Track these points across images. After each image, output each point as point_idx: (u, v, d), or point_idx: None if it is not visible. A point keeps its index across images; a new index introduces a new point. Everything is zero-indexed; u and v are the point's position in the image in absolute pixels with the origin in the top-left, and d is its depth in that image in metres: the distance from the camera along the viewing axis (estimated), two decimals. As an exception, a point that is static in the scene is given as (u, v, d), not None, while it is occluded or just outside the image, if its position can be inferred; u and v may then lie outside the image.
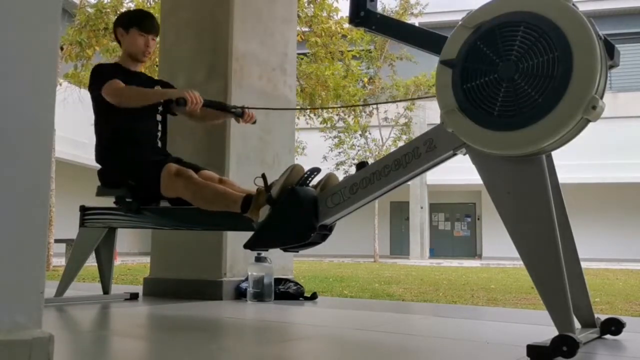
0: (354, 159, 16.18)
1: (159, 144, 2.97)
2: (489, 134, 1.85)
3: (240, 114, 2.91)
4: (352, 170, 7.39)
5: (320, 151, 16.02)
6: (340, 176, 2.37)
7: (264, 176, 2.37)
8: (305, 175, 2.33)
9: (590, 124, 1.82)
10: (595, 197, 18.75)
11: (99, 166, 2.92)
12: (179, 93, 2.63)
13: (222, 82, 3.45)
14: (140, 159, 2.79)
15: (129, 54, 2.95)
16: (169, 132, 3.04)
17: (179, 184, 2.59)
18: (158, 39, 3.20)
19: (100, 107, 2.82)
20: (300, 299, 3.39)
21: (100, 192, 2.90)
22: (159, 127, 2.98)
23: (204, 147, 3.43)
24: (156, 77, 3.35)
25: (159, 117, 2.96)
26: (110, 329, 2.46)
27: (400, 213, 21.17)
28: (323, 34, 10.45)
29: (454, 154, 2.01)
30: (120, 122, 2.81)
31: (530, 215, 1.83)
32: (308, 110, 11.92)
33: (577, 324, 1.89)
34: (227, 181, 2.83)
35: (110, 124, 2.84)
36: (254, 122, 2.99)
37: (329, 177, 2.35)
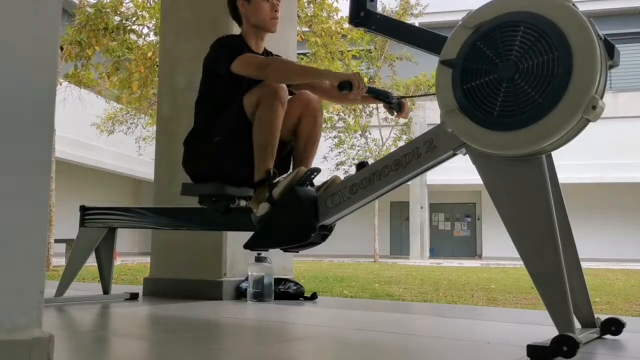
0: (354, 159, 16.17)
1: None
2: (489, 134, 1.85)
3: (398, 106, 2.56)
4: (352, 170, 7.39)
5: (320, 151, 15.94)
6: (341, 176, 2.37)
7: (274, 172, 2.34)
8: (306, 175, 2.33)
9: (591, 124, 1.82)
10: (595, 197, 18.75)
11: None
12: (342, 75, 2.25)
13: (222, 82, 3.44)
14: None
15: (254, 24, 2.57)
16: (170, 132, 3.03)
17: (265, 92, 2.32)
18: (156, 38, 3.09)
19: (213, 84, 2.51)
20: (300, 299, 3.39)
21: (185, 191, 2.57)
22: None
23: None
24: (156, 77, 3.33)
25: None
26: (110, 329, 2.46)
27: (400, 213, 21.17)
28: (323, 34, 10.44)
29: (454, 154, 2.01)
30: (232, 98, 2.45)
31: (530, 215, 1.83)
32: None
33: (577, 324, 1.89)
34: (314, 136, 2.54)
35: (216, 102, 2.49)
36: (407, 118, 2.68)
37: (333, 179, 2.33)
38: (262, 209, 2.32)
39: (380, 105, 2.58)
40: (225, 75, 2.43)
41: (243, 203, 2.59)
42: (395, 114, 2.58)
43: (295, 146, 2.56)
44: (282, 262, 3.60)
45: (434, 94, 1.98)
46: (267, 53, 2.68)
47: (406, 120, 3.09)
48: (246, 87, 2.43)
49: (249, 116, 2.38)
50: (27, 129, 1.17)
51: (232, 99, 2.44)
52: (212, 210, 2.55)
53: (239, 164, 2.46)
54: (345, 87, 2.22)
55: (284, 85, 2.37)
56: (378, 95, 2.52)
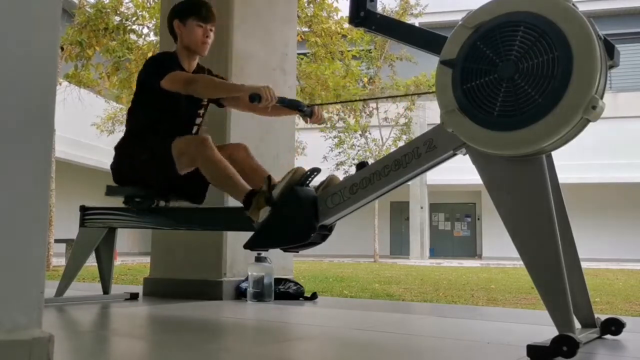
0: (354, 159, 16.17)
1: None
2: (489, 134, 1.85)
3: (309, 113, 2.75)
4: (352, 170, 7.39)
5: (320, 151, 16.01)
6: (341, 176, 2.37)
7: (269, 178, 2.37)
8: (306, 176, 2.33)
9: (590, 124, 1.82)
10: (595, 197, 18.75)
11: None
12: (253, 88, 2.47)
13: (222, 82, 3.44)
14: (158, 148, 2.66)
15: (186, 46, 2.77)
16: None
17: (192, 149, 2.53)
18: (157, 38, 3.18)
19: (145, 98, 2.75)
20: (300, 299, 3.39)
21: (110, 192, 2.84)
22: (197, 122, 2.87)
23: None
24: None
25: (200, 112, 2.86)
26: (110, 329, 2.46)
27: (400, 213, 21.17)
28: (323, 34, 10.45)
29: (454, 154, 2.01)
30: (162, 114, 2.72)
31: (530, 215, 1.83)
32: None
33: (577, 324, 1.89)
34: (252, 165, 2.72)
35: (150, 114, 2.73)
36: (322, 123, 2.88)
37: (331, 179, 2.34)
38: (262, 214, 2.33)
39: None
40: (156, 90, 2.63)
41: (163, 203, 2.88)
42: (309, 120, 2.77)
43: (246, 178, 2.67)
44: (282, 262, 3.60)
45: (354, 100, 2.02)
46: (200, 69, 2.87)
47: (320, 125, 3.20)
48: (175, 104, 2.69)
49: (175, 160, 2.57)
50: (27, 129, 1.17)
51: (161, 115, 2.72)
52: (136, 210, 2.83)
53: (159, 185, 2.73)
54: (255, 99, 2.44)
55: (207, 137, 2.58)
56: (290, 106, 2.73)
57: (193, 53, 2.79)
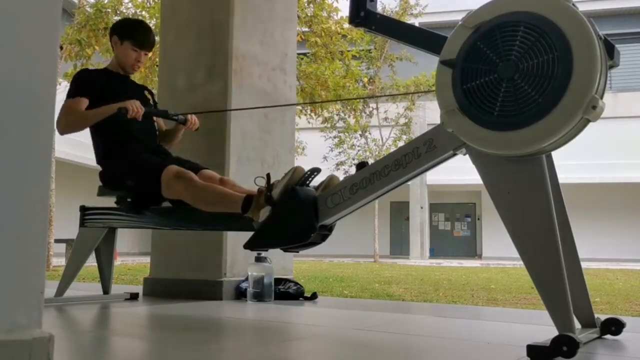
0: (354, 159, 16.17)
1: (158, 141, 3.02)
2: (489, 134, 1.85)
3: (183, 121, 2.96)
4: (352, 170, 7.39)
5: (320, 151, 16.01)
6: (341, 176, 2.37)
7: (267, 176, 2.37)
8: (306, 176, 2.33)
9: (591, 124, 1.82)
10: (595, 197, 18.75)
11: (98, 167, 2.93)
12: (121, 104, 2.70)
13: (222, 82, 3.45)
14: (140, 160, 2.80)
15: (119, 63, 3.01)
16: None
17: (179, 186, 2.60)
18: (156, 38, 3.22)
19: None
20: (300, 299, 3.39)
21: (101, 192, 2.93)
22: (156, 126, 3.04)
23: (204, 147, 3.43)
24: (156, 77, 3.39)
25: (149, 123, 3.00)
26: (110, 329, 2.46)
27: (400, 213, 21.17)
28: (323, 34, 10.45)
29: (454, 154, 2.01)
30: (120, 123, 2.81)
31: (530, 215, 1.83)
32: (309, 110, 11.92)
33: (577, 324, 1.89)
34: (228, 181, 2.83)
35: (108, 125, 2.83)
36: (197, 129, 3.03)
37: (331, 178, 2.34)
38: (263, 214, 2.33)
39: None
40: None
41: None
42: (183, 127, 3.00)
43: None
44: (282, 262, 3.60)
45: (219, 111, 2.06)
46: (131, 82, 3.11)
47: (194, 129, 3.25)
48: (123, 123, 2.79)
49: (162, 184, 2.65)
50: (27, 129, 1.17)
51: (118, 135, 2.87)
52: (128, 210, 2.91)
53: (150, 198, 2.81)
54: (122, 113, 2.69)
55: (174, 167, 2.66)
56: (157, 114, 2.98)
57: (123, 71, 3.03)
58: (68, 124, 2.83)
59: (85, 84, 2.88)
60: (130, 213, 2.90)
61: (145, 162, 2.78)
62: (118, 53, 3.00)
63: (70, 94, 2.84)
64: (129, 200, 2.87)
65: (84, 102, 2.83)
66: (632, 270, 11.57)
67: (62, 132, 2.85)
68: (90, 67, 3.21)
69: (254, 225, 2.39)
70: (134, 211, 2.89)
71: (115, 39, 2.99)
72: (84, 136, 3.12)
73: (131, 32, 2.98)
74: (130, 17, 10.00)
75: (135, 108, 2.70)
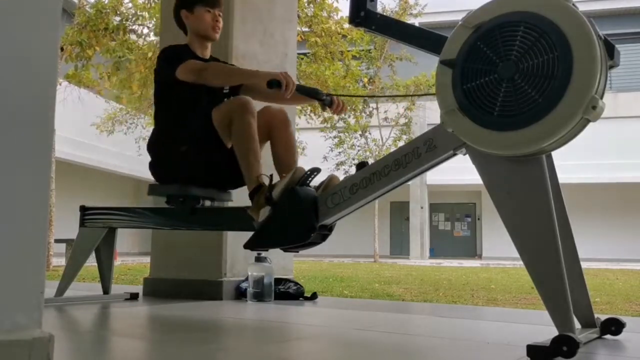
0: (354, 159, 16.17)
1: None
2: (489, 134, 1.85)
3: (329, 102, 2.66)
4: (352, 170, 7.39)
5: (320, 151, 16.01)
6: (341, 176, 2.37)
7: (270, 177, 2.36)
8: (306, 175, 2.33)
9: (590, 124, 1.82)
10: (595, 197, 18.75)
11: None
12: (272, 74, 2.39)
13: (222, 82, 3.44)
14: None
15: (197, 34, 2.73)
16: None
17: (232, 109, 2.46)
18: (156, 38, 3.14)
19: (164, 93, 2.68)
20: (300, 299, 3.39)
21: (152, 191, 2.72)
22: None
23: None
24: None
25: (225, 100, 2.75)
26: (110, 329, 2.46)
27: (400, 213, 21.17)
28: (323, 34, 10.45)
29: (454, 154, 2.01)
30: (187, 107, 2.62)
31: (530, 215, 1.83)
32: (309, 110, 11.93)
33: (577, 324, 1.89)
34: (287, 138, 2.65)
35: (174, 109, 2.64)
36: (341, 112, 2.75)
37: (331, 178, 2.34)
38: (263, 214, 2.33)
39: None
40: (173, 83, 2.56)
41: (208, 203, 2.74)
42: (328, 109, 2.69)
43: (275, 155, 2.65)
44: (282, 262, 3.60)
45: (365, 96, 2.01)
46: (214, 60, 2.81)
47: (339, 115, 3.08)
48: (197, 92, 2.59)
49: (218, 129, 2.50)
50: (27, 129, 1.17)
51: (187, 105, 2.62)
52: (179, 210, 2.69)
53: (205, 171, 2.62)
54: (274, 85, 2.34)
55: (248, 98, 2.49)
56: (308, 93, 2.63)
57: (205, 40, 2.74)
58: (215, 74, 2.55)
59: (186, 54, 2.63)
60: (137, 213, 2.84)
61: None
62: (193, 25, 2.73)
63: (181, 59, 2.55)
64: (181, 200, 2.67)
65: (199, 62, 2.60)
66: (632, 270, 11.57)
67: (206, 81, 2.53)
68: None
69: (254, 225, 2.39)
70: (186, 212, 2.68)
71: (185, 13, 2.74)
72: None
73: None
74: (131, 16, 10.02)
75: (288, 82, 2.34)
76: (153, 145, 2.69)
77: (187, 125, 2.60)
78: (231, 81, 2.66)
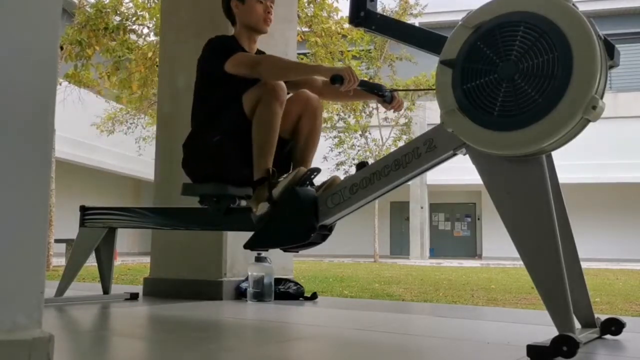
0: (354, 159, 16.17)
1: None
2: (489, 134, 1.85)
3: (390, 99, 2.53)
4: (352, 170, 7.38)
5: (320, 151, 15.94)
6: (341, 176, 2.37)
7: (273, 172, 2.35)
8: (306, 175, 2.33)
9: (590, 124, 1.82)
10: (595, 197, 18.75)
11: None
12: (335, 69, 2.27)
13: (222, 82, 3.44)
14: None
15: (247, 25, 2.59)
16: (171, 129, 3.03)
17: (262, 92, 2.34)
18: (156, 38, 3.11)
19: (207, 87, 2.53)
20: (300, 299, 3.39)
21: (186, 190, 2.58)
22: None
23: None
24: (156, 77, 3.32)
25: None
26: (110, 329, 2.46)
27: (400, 213, 21.16)
28: (323, 34, 10.44)
29: (454, 154, 2.01)
30: (228, 99, 2.46)
31: (530, 215, 1.83)
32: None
33: (577, 324, 1.89)
34: (314, 133, 2.55)
35: (213, 104, 2.50)
36: (399, 109, 2.62)
37: (334, 179, 2.34)
38: (261, 208, 2.32)
39: (381, 105, 2.59)
40: (220, 75, 2.44)
41: (244, 203, 2.59)
42: (388, 105, 2.56)
43: (295, 145, 2.57)
44: (282, 262, 3.60)
45: (431, 89, 1.98)
46: (260, 53, 2.69)
47: (399, 112, 3.02)
48: (242, 87, 2.43)
49: (248, 114, 2.39)
50: (27, 129, 1.17)
51: (228, 100, 2.45)
52: (213, 211, 2.54)
53: (239, 163, 2.46)
54: (337, 81, 2.22)
55: (282, 84, 2.37)
56: (372, 89, 2.50)
57: (254, 33, 2.62)
58: (271, 68, 2.40)
59: (235, 47, 2.51)
60: (137, 213, 2.82)
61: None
62: (243, 16, 2.58)
63: (230, 51, 2.44)
64: (215, 199, 2.53)
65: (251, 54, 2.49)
66: (632, 270, 11.57)
67: (260, 76, 2.39)
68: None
69: (251, 217, 2.37)
70: (221, 212, 2.53)
71: (235, 3, 2.57)
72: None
73: None
74: (131, 16, 10.01)
75: (352, 77, 2.21)
76: (187, 142, 2.56)
77: (223, 118, 2.46)
78: (289, 76, 2.48)
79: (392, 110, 2.63)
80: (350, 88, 2.24)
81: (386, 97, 2.52)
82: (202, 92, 2.56)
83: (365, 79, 3.25)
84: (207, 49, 2.53)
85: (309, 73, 2.53)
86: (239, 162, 2.45)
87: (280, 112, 2.37)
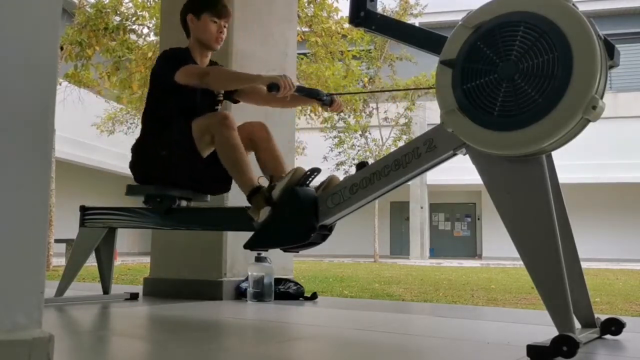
0: (354, 159, 16.17)
1: None
2: (489, 134, 1.85)
3: (329, 102, 2.69)
4: (352, 170, 7.39)
5: (320, 151, 16.00)
6: (341, 177, 2.37)
7: (271, 177, 2.37)
8: (306, 176, 2.33)
9: (590, 124, 1.82)
10: (595, 197, 18.74)
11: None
12: (272, 78, 2.41)
13: (222, 82, 3.44)
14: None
15: (199, 40, 2.73)
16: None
17: (216, 129, 2.48)
18: (156, 38, 3.17)
19: (159, 95, 2.68)
20: (300, 299, 3.39)
21: (130, 191, 2.77)
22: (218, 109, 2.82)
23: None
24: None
25: (218, 107, 2.81)
26: (110, 329, 2.46)
27: (400, 213, 21.16)
28: (323, 34, 10.44)
29: (454, 154, 2.01)
30: (177, 110, 2.64)
31: (530, 215, 1.83)
32: (309, 110, 11.93)
33: (577, 324, 1.89)
34: (271, 148, 2.68)
35: (163, 113, 2.66)
36: (341, 112, 2.87)
37: (331, 179, 2.34)
38: (263, 214, 2.33)
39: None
40: (170, 86, 2.58)
41: (184, 203, 2.81)
42: (329, 108, 2.73)
43: (262, 165, 2.67)
44: (282, 262, 3.60)
45: (368, 92, 1.99)
46: (213, 65, 2.83)
47: (338, 114, 3.08)
48: (191, 99, 2.64)
49: (195, 140, 2.54)
50: (27, 129, 1.17)
51: (177, 110, 2.64)
52: (155, 210, 2.75)
53: (182, 176, 2.67)
54: (273, 88, 2.37)
55: (229, 114, 2.53)
56: (309, 94, 2.68)
57: (206, 48, 2.75)
58: (218, 78, 2.57)
59: (187, 58, 2.66)
60: (156, 214, 2.83)
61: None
62: (197, 31, 2.72)
63: (182, 62, 2.59)
64: (158, 199, 2.71)
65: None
66: (632, 270, 11.57)
67: (208, 85, 2.57)
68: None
69: (254, 225, 2.39)
70: (161, 212, 2.74)
71: (191, 17, 2.74)
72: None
73: (206, 3, 2.74)
74: (131, 16, 10.01)
75: (287, 85, 2.37)
76: (136, 149, 2.73)
77: (172, 130, 2.62)
78: (233, 85, 2.69)
79: (331, 112, 2.79)
80: (286, 94, 2.39)
81: (325, 101, 2.69)
82: (153, 101, 2.73)
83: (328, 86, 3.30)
84: (159, 60, 2.71)
85: (250, 82, 2.63)
86: (182, 175, 2.65)
87: (235, 132, 2.50)
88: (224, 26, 2.74)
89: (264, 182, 2.48)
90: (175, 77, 2.55)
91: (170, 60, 2.63)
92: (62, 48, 9.28)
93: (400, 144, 15.37)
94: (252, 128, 2.68)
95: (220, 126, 2.49)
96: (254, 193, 2.39)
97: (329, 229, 2.36)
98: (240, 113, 3.43)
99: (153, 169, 2.68)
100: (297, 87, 2.49)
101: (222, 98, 2.83)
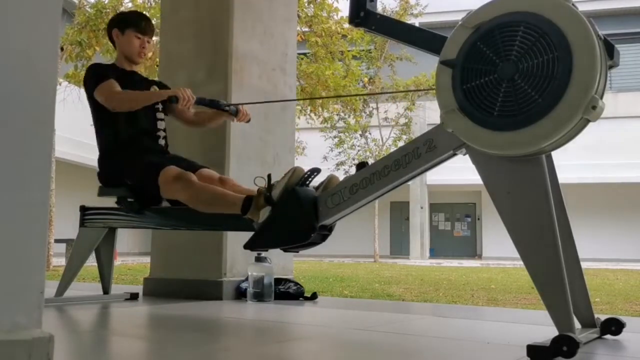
0: (354, 159, 16.17)
1: (162, 143, 2.95)
2: (489, 134, 1.85)
3: (234, 112, 2.86)
4: (352, 170, 7.39)
5: (320, 151, 16.01)
6: (341, 176, 2.37)
7: (268, 177, 2.37)
8: (305, 176, 2.33)
9: (591, 124, 1.82)
10: (595, 197, 18.74)
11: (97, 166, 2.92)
12: (170, 92, 2.65)
13: (222, 82, 3.45)
14: (139, 160, 2.76)
15: (124, 54, 2.96)
16: (170, 132, 3.04)
17: (177, 188, 2.57)
18: (156, 38, 3.21)
19: (99, 107, 2.80)
20: (300, 299, 3.39)
21: (101, 192, 2.89)
22: (161, 126, 2.95)
23: (204, 146, 3.43)
24: (156, 77, 3.35)
25: (160, 116, 2.94)
26: (110, 329, 2.46)
27: (400, 213, 21.16)
28: (323, 34, 10.44)
29: (454, 154, 2.01)
30: (121, 122, 2.80)
31: (530, 215, 1.83)
32: (309, 110, 11.94)
33: (577, 324, 1.89)
34: (228, 180, 2.81)
35: (111, 125, 2.82)
36: (248, 121, 2.95)
37: (331, 179, 2.34)
38: (263, 214, 2.33)
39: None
40: (95, 100, 2.78)
41: (165, 203, 2.85)
42: (235, 119, 2.88)
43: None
44: (282, 262, 3.60)
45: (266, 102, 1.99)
46: (138, 76, 3.03)
47: (245, 121, 3.11)
48: (131, 116, 2.79)
49: (160, 185, 2.61)
50: (27, 129, 1.17)
51: (123, 128, 2.81)
52: (127, 210, 2.88)
53: (150, 198, 2.78)
54: (173, 100, 2.59)
55: (175, 171, 2.60)
56: (210, 105, 2.82)
57: (130, 61, 2.97)
58: (121, 102, 2.75)
59: (106, 74, 2.82)
60: (130, 213, 2.89)
61: (144, 163, 2.74)
62: (121, 45, 2.95)
63: (99, 80, 2.76)
64: (129, 200, 2.84)
65: (117, 84, 2.78)
66: (632, 270, 11.57)
67: (114, 109, 2.76)
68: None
69: (254, 225, 2.39)
70: (134, 211, 2.87)
71: (116, 32, 2.95)
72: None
73: (130, 20, 2.96)
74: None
75: (186, 97, 2.60)
76: (99, 160, 2.87)
77: (127, 149, 2.79)
78: (135, 105, 2.78)
79: (237, 121, 2.93)
80: (186, 105, 2.63)
81: (230, 111, 2.84)
82: (97, 121, 2.87)
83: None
84: (85, 75, 2.89)
85: (154, 99, 2.81)
86: (150, 189, 2.71)
87: (194, 178, 2.59)
88: (148, 42, 2.96)
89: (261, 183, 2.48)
90: (94, 93, 2.75)
91: (91, 76, 2.82)
92: (62, 48, 9.27)
93: (400, 144, 15.37)
94: (211, 178, 2.76)
95: (175, 184, 2.57)
96: (246, 203, 2.40)
97: (329, 229, 2.36)
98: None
99: (112, 175, 2.83)
100: (197, 98, 2.67)
101: (161, 111, 2.95)
